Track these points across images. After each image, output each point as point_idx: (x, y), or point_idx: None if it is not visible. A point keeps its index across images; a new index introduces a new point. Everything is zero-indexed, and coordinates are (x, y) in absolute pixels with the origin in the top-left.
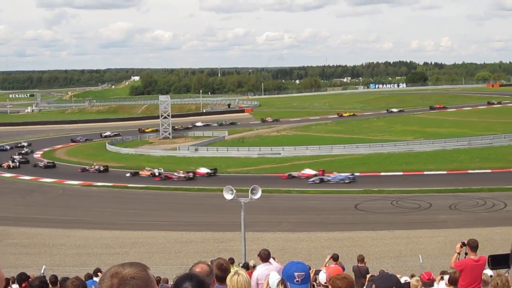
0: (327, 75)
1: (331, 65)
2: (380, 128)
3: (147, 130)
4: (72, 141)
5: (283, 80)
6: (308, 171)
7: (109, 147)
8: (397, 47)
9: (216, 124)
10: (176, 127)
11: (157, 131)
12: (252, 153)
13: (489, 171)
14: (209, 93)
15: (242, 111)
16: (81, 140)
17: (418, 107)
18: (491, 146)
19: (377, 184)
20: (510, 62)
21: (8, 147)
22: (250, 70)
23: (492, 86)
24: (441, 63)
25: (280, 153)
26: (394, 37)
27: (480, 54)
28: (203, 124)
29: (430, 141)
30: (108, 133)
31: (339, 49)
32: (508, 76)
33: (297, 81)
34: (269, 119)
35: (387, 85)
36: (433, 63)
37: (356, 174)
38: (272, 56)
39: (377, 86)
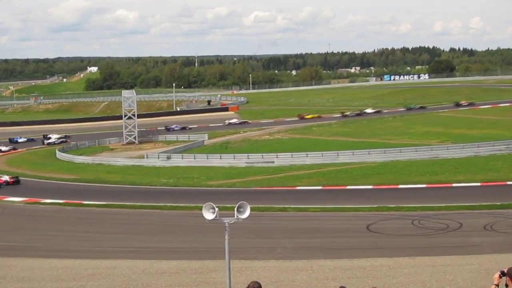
0: (330, 65)
1: (335, 52)
2: (397, 130)
3: (307, 117)
4: (11, 141)
5: (276, 71)
6: None
7: (60, 155)
8: (417, 29)
9: (194, 126)
10: (144, 129)
11: (319, 117)
12: (239, 161)
13: None
14: (181, 87)
15: (226, 109)
16: (19, 140)
17: (443, 103)
18: None
19: (394, 200)
20: None
21: None
22: (235, 59)
23: None
24: (471, 49)
25: (273, 162)
26: (413, 18)
27: None
28: (179, 127)
29: (459, 146)
30: (52, 138)
31: (345, 32)
32: None
33: (294, 72)
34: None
35: (405, 76)
36: (461, 49)
37: (368, 187)
38: (263, 41)
39: (392, 78)
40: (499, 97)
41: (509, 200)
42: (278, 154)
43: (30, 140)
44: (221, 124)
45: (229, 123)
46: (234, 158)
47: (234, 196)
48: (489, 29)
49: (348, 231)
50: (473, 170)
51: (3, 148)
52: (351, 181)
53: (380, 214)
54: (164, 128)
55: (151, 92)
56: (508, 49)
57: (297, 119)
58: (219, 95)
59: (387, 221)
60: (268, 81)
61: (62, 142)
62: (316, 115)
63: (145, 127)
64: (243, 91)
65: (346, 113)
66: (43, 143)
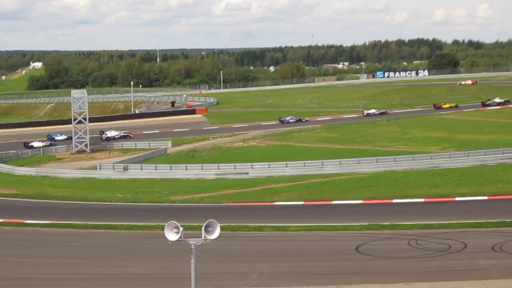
0: (314, 60)
1: (320, 45)
2: (392, 135)
3: (444, 106)
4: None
5: (252, 67)
6: None
7: None
8: (414, 19)
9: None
10: (97, 135)
11: (456, 107)
12: (208, 172)
13: None
14: (140, 86)
15: (193, 111)
16: (56, 138)
17: (446, 103)
18: None
19: (388, 216)
20: None
21: None
22: (203, 53)
23: None
24: (477, 42)
25: (247, 173)
26: (410, 5)
27: None
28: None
29: (463, 153)
30: (110, 134)
31: (331, 22)
32: None
33: (272, 69)
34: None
35: (402, 72)
36: (466, 41)
37: (358, 202)
38: (236, 33)
39: (386, 74)
40: (511, 97)
41: None
42: (253, 164)
43: (70, 138)
44: (186, 129)
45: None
46: (202, 169)
47: (202, 213)
48: (498, 18)
49: (334, 253)
50: (479, 181)
51: (36, 144)
52: (338, 194)
53: (372, 233)
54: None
55: (105, 92)
56: None
57: (277, 122)
58: (184, 95)
59: (379, 241)
60: (242, 79)
61: (123, 137)
62: (453, 104)
63: (100, 133)
64: (213, 91)
65: (385, 111)
66: (102, 139)
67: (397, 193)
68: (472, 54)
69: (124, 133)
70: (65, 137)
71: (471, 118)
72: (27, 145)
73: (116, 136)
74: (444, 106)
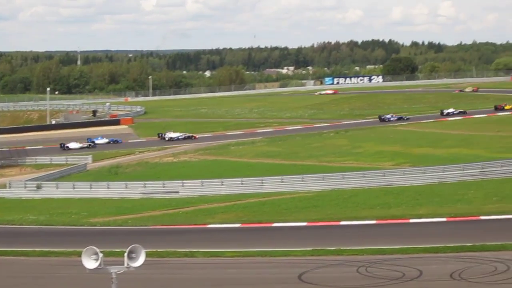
0: (255, 64)
1: (262, 47)
2: (341, 149)
3: (507, 107)
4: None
5: (185, 72)
6: None
7: None
8: (369, 17)
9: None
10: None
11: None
12: (133, 191)
13: None
14: (57, 92)
15: (117, 122)
16: (97, 141)
17: (401, 114)
18: None
19: (335, 240)
20: None
21: None
22: (130, 55)
23: None
24: (439, 44)
25: (178, 191)
26: (364, 2)
27: (503, 28)
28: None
29: (420, 170)
30: (173, 134)
31: (275, 21)
32: None
33: (208, 73)
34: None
35: (353, 79)
36: (426, 43)
37: (302, 224)
38: (168, 32)
39: (336, 81)
40: (474, 106)
41: (483, 240)
42: (184, 181)
43: (114, 142)
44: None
45: None
46: (127, 187)
47: (125, 237)
48: (463, 17)
49: (275, 282)
50: (437, 201)
51: (73, 146)
52: (280, 216)
53: (317, 259)
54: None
55: (18, 100)
56: (487, 43)
57: (211, 135)
58: (108, 104)
59: (325, 268)
60: (173, 85)
61: (187, 138)
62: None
63: (8, 146)
64: (140, 98)
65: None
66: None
67: (345, 214)
68: (432, 58)
69: (187, 134)
70: (107, 140)
71: (429, 130)
72: (63, 146)
73: (180, 137)
74: (507, 107)
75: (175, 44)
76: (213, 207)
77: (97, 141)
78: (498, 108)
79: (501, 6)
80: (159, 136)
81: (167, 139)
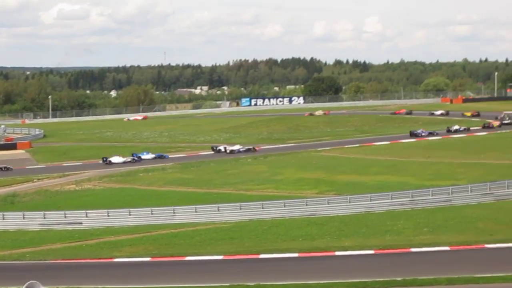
0: (166, 83)
1: (173, 64)
2: (260, 176)
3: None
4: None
5: (88, 91)
6: None
7: None
8: (289, 33)
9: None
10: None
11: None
12: (31, 222)
13: (447, 248)
14: None
15: (13, 146)
16: (143, 157)
17: (324, 138)
18: (449, 206)
19: (254, 275)
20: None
21: None
22: (27, 73)
23: (451, 101)
24: (364, 62)
25: (81, 222)
26: (283, 16)
27: (432, 46)
28: None
29: (345, 198)
30: (235, 147)
31: (188, 36)
32: (477, 84)
33: (113, 93)
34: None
35: (272, 100)
36: (350, 61)
37: (218, 257)
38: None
39: (254, 102)
40: (402, 130)
41: (414, 274)
42: (88, 211)
43: (159, 157)
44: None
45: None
46: (24, 218)
47: (22, 273)
48: (390, 34)
49: None
50: (364, 232)
51: (117, 159)
52: (193, 249)
53: None
54: None
55: None
56: (415, 63)
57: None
58: (2, 126)
59: None
60: (76, 105)
61: (247, 151)
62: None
63: None
64: (39, 120)
65: (251, 147)
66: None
67: (265, 246)
68: (357, 78)
69: (249, 146)
70: (153, 155)
71: (354, 156)
72: (105, 160)
73: (240, 150)
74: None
75: (77, 60)
76: (120, 240)
77: (143, 156)
78: (413, 134)
79: (430, 23)
80: (103, 161)
81: (228, 151)
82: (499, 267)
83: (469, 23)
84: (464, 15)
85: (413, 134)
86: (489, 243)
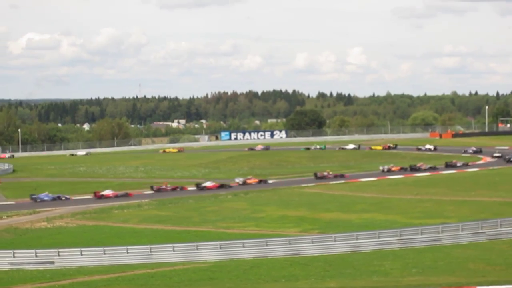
0: (141, 116)
1: (149, 97)
2: (240, 214)
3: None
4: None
5: (60, 124)
6: None
7: None
8: (270, 64)
9: None
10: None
11: None
12: (0, 261)
13: None
14: None
15: None
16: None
17: (306, 174)
18: (439, 246)
19: None
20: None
21: None
22: None
23: (440, 136)
24: (349, 95)
25: (53, 262)
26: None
27: (420, 78)
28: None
29: (330, 237)
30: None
31: (164, 67)
32: (467, 118)
33: (86, 127)
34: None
35: (253, 134)
36: (334, 94)
37: None
38: (40, 79)
39: (234, 136)
40: (371, 167)
41: None
42: (60, 250)
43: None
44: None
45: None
46: None
47: None
48: (375, 66)
49: None
50: (349, 273)
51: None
52: None
53: None
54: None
55: None
56: (402, 96)
57: (91, 197)
58: None
59: None
60: (46, 139)
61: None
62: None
63: None
64: (7, 155)
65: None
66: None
67: (246, 287)
68: (341, 111)
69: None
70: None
71: (339, 193)
72: (199, 186)
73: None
74: (394, 169)
75: (48, 92)
76: (94, 280)
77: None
78: (319, 177)
79: (417, 55)
80: (31, 198)
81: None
82: None
83: (457, 55)
84: (451, 47)
85: (413, 169)
86: (482, 284)
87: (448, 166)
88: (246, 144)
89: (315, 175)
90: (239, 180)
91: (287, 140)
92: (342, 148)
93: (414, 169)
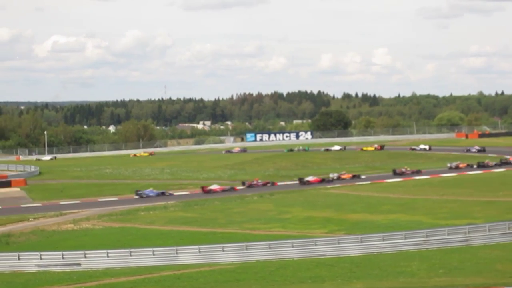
0: (167, 118)
1: (174, 98)
2: (266, 215)
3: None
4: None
5: (86, 127)
6: None
7: None
8: (294, 66)
9: None
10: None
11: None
12: (27, 264)
13: None
14: None
15: (7, 184)
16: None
17: (333, 174)
18: (466, 247)
19: None
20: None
21: None
22: (22, 108)
23: (466, 136)
24: (374, 96)
25: (80, 264)
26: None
27: (445, 79)
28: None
29: (356, 238)
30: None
31: (189, 69)
32: (493, 118)
33: (112, 128)
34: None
35: (278, 135)
36: (359, 95)
37: None
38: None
39: (259, 137)
40: (414, 166)
41: None
42: (87, 252)
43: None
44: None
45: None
46: (19, 259)
47: None
48: (400, 66)
49: None
50: (376, 274)
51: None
52: None
53: None
54: None
55: None
56: (428, 96)
57: (116, 199)
58: None
59: None
60: (72, 141)
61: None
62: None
63: None
64: (35, 157)
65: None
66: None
67: None
68: (366, 112)
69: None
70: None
71: (365, 194)
72: (302, 181)
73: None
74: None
75: (73, 95)
76: (121, 282)
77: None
78: (397, 173)
79: (442, 55)
80: (137, 194)
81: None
82: None
83: (483, 55)
84: (477, 47)
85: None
86: (509, 285)
87: (480, 166)
88: (272, 145)
89: (394, 171)
90: (334, 175)
91: (313, 141)
92: (327, 150)
93: (481, 166)
